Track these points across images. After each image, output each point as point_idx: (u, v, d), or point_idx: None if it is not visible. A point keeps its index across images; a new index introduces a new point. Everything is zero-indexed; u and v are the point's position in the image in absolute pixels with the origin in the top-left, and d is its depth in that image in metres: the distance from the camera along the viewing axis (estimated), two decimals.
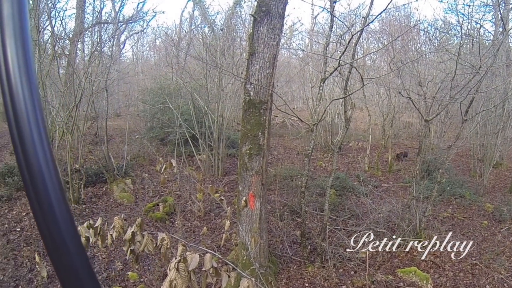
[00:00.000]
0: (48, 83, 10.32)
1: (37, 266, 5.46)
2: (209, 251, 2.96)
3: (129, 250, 3.39)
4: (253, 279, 2.80)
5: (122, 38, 15.40)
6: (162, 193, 10.04)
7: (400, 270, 6.82)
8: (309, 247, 7.35)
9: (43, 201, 0.59)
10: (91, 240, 3.54)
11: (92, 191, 9.80)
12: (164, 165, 3.23)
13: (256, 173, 6.07)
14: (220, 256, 3.08)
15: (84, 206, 9.02)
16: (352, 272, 6.80)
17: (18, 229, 8.08)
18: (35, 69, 8.80)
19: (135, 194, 9.88)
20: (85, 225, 3.50)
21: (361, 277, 6.56)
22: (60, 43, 11.81)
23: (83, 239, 3.60)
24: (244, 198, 4.72)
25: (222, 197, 3.14)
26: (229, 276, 2.90)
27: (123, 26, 13.77)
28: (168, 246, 3.00)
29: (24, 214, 8.81)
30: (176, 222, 8.46)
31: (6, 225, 8.33)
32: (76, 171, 9.29)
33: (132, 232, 3.36)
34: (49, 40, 11.41)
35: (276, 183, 10.06)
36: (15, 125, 0.57)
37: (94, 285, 0.65)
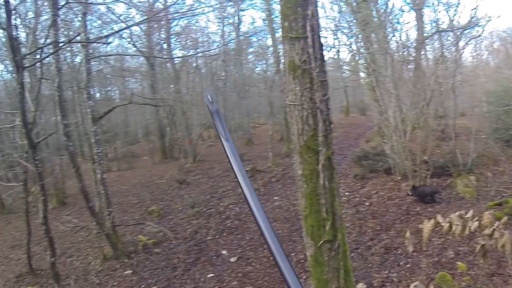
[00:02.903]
0: (399, 84, 12.05)
1: (405, 241, 6.82)
2: None
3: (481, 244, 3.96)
4: None
5: (461, 44, 15.56)
6: (503, 194, 9.97)
7: None
8: None
9: None
10: (453, 229, 4.36)
11: (437, 182, 10.98)
12: None
13: None
14: None
15: None
16: None
17: (367, 204, 10.18)
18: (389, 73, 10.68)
19: (477, 190, 10.28)
20: (456, 213, 4.38)
21: None
22: (406, 51, 13.93)
23: (446, 225, 4.47)
24: None
25: None
26: None
27: (460, 32, 14.17)
28: None
29: (373, 192, 11.00)
30: None
31: (358, 199, 10.71)
32: (424, 162, 10.66)
33: (493, 229, 3.81)
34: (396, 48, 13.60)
35: None
36: None
37: None
